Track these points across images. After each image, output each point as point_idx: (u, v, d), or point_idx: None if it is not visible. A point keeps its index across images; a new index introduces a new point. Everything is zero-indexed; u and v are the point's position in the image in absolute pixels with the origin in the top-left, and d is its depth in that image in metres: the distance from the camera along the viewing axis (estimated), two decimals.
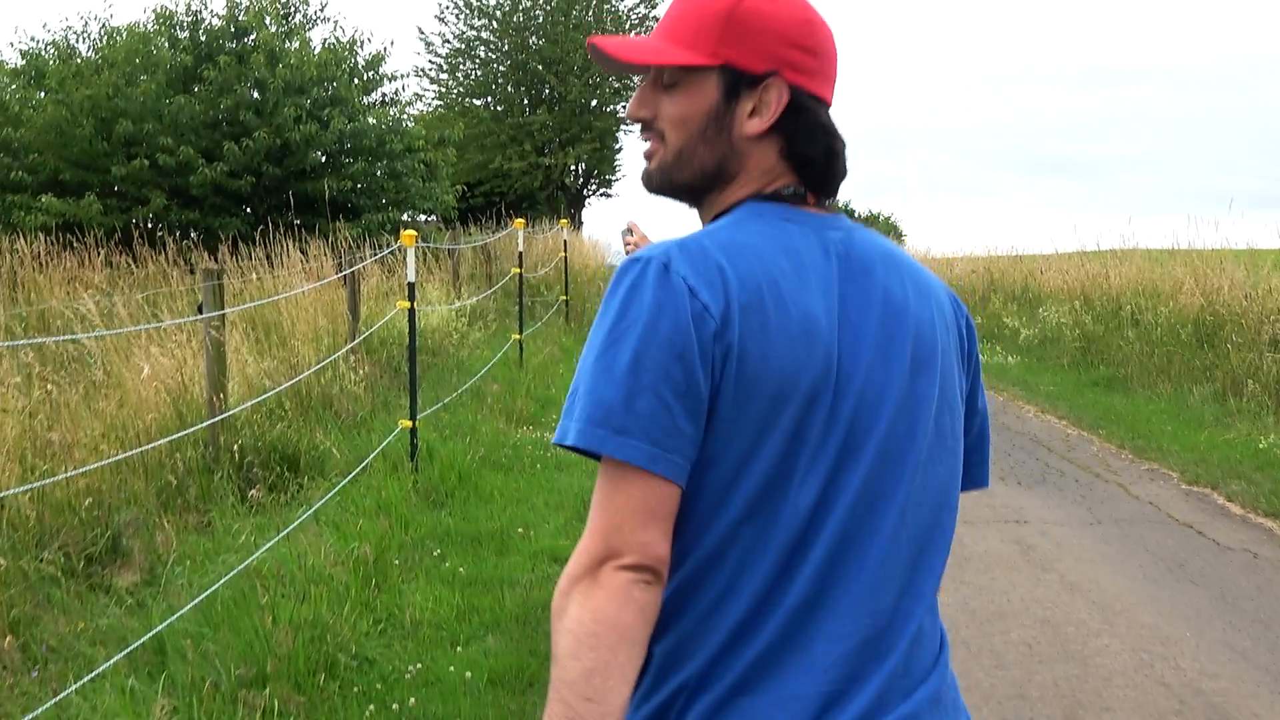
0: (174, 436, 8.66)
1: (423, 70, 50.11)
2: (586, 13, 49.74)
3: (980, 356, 2.32)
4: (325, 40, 29.03)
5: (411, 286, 10.31)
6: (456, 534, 8.96)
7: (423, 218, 32.99)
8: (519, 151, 47.73)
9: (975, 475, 2.35)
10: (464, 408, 12.85)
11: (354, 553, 7.80)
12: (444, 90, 50.40)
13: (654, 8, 51.10)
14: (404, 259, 10.49)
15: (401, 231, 10.45)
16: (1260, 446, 11.80)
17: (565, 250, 23.83)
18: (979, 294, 25.23)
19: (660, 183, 2.21)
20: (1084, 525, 9.56)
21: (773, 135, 2.13)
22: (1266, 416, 13.07)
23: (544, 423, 13.56)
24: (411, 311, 10.31)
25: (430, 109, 48.54)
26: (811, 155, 2.13)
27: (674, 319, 1.90)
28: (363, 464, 9.85)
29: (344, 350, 12.08)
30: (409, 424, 10.22)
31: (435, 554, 8.46)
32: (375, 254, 17.75)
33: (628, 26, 50.90)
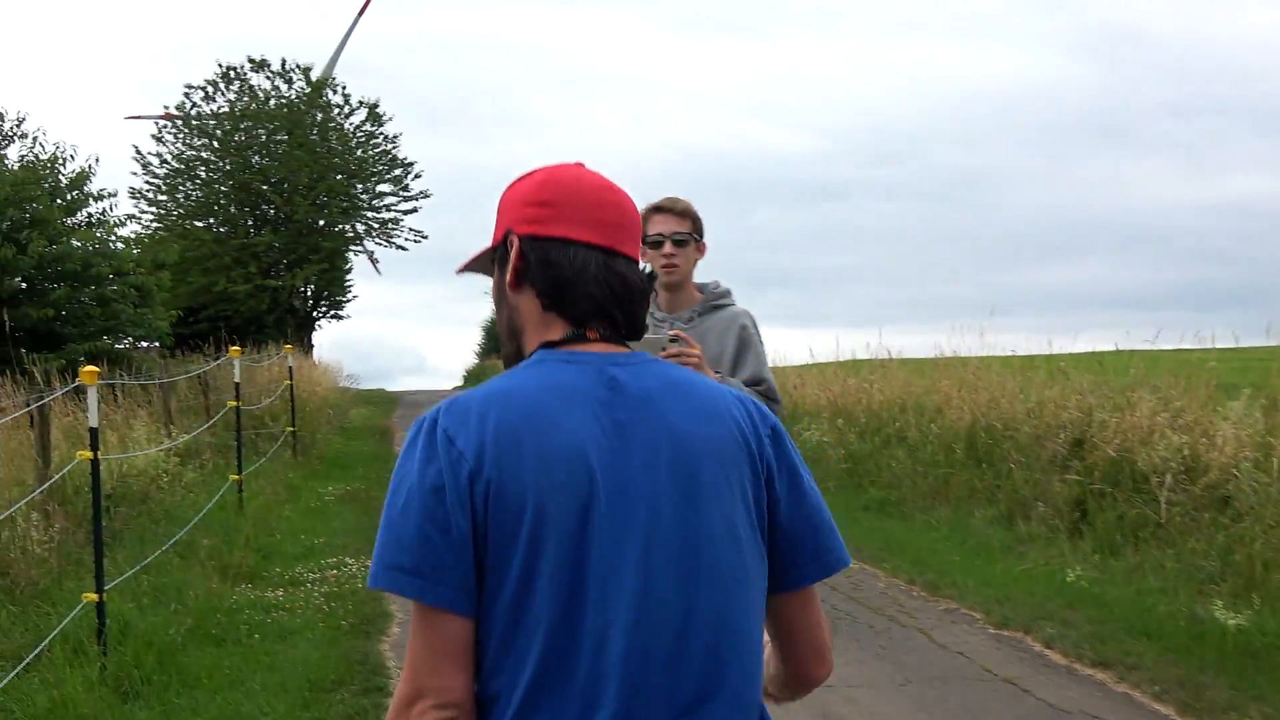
0: None
1: (139, 191, 47.82)
2: (311, 131, 48.19)
3: (794, 455, 2.47)
4: (22, 157, 26.96)
5: (94, 433, 8.63)
6: None
7: (144, 345, 30.94)
8: (244, 274, 45.72)
9: (820, 563, 2.47)
10: (170, 567, 11.08)
11: None
12: (163, 212, 48.19)
13: (380, 124, 49.84)
14: (87, 401, 8.81)
15: (81, 368, 8.76)
16: (1067, 580, 10.71)
17: (291, 378, 22.11)
18: None
19: (504, 359, 2.56)
20: (894, 687, 8.30)
21: (528, 284, 2.45)
22: (1060, 542, 12.03)
23: (265, 577, 11.90)
24: (95, 463, 8.62)
25: (149, 231, 46.28)
26: (554, 291, 2.41)
27: (436, 468, 2.25)
28: (37, 649, 8.13)
29: (20, 504, 10.25)
30: (94, 597, 8.50)
31: None
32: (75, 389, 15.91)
33: (354, 144, 49.57)
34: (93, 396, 8.67)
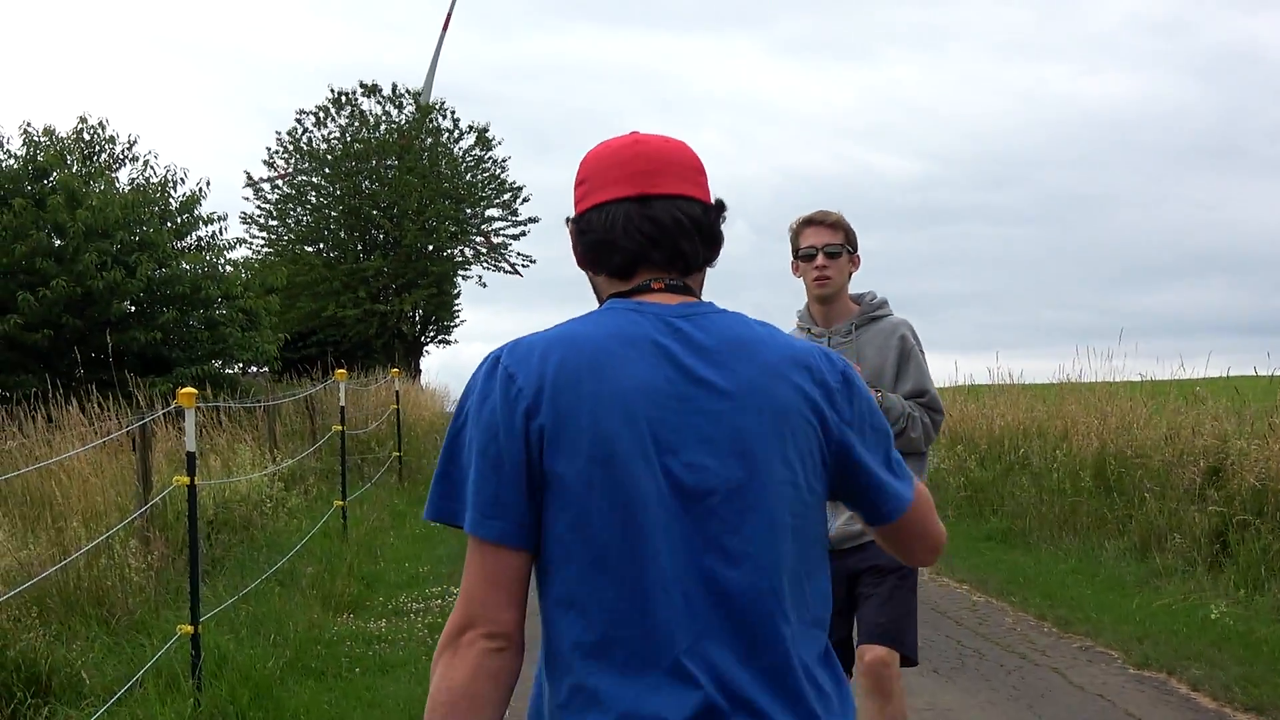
0: None
1: (250, 216, 48.08)
2: (421, 156, 48.14)
3: (865, 403, 2.53)
4: (133, 180, 26.97)
5: (192, 457, 8.30)
6: None
7: (254, 369, 30.90)
8: (353, 298, 45.75)
9: (885, 509, 2.57)
10: (270, 596, 10.73)
11: None
12: (274, 237, 48.40)
13: (489, 149, 49.72)
14: (184, 423, 8.48)
15: (180, 390, 8.43)
16: (1211, 616, 10.06)
17: (397, 402, 21.84)
18: None
19: None
20: None
21: (587, 263, 2.59)
22: (1199, 576, 11.38)
23: (368, 607, 11.55)
24: (192, 488, 8.29)
25: (259, 255, 46.50)
26: (590, 257, 2.55)
27: (493, 404, 2.34)
28: (129, 684, 7.80)
29: (117, 528, 9.96)
30: (188, 629, 8.15)
31: None
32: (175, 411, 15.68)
33: (463, 168, 49.50)
34: (190, 419, 8.34)
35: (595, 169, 2.56)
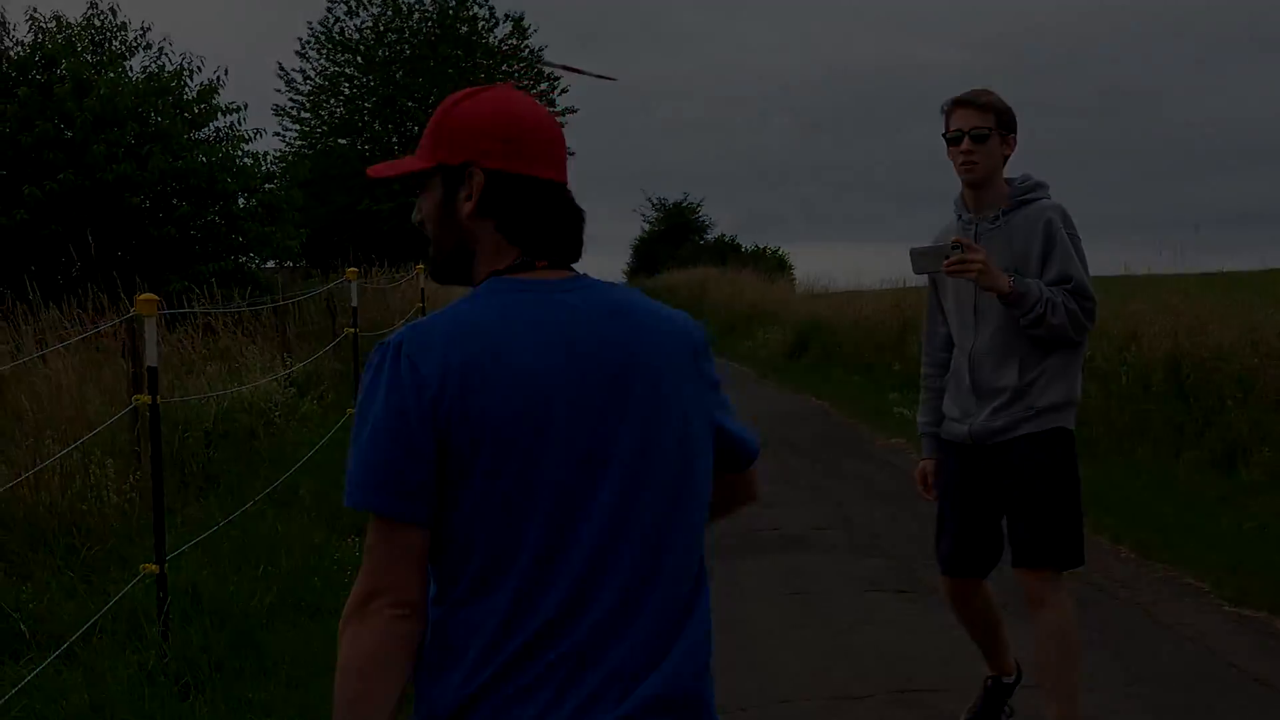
0: None
1: (283, 109, 46.99)
2: (456, 47, 46.88)
3: (713, 366, 2.61)
4: (145, 69, 25.79)
5: (153, 372, 7.23)
6: None
7: (288, 265, 29.90)
8: (388, 192, 44.63)
9: (743, 458, 2.70)
10: (264, 519, 9.71)
11: None
12: (307, 129, 47.34)
13: (525, 37, 48.38)
14: (145, 335, 7.38)
15: (137, 298, 7.35)
16: None
17: (422, 300, 20.75)
18: (894, 334, 22.11)
19: (434, 271, 2.65)
20: (1121, 689, 6.64)
21: (487, 215, 2.51)
22: None
23: None
24: (154, 407, 7.23)
25: (292, 148, 45.52)
26: (518, 226, 2.49)
27: (400, 392, 2.34)
28: (80, 631, 6.81)
29: (81, 441, 8.94)
30: (153, 568, 7.12)
31: None
32: (199, 309, 14.67)
33: (499, 58, 48.21)
34: (151, 330, 7.26)
35: (524, 133, 2.52)
